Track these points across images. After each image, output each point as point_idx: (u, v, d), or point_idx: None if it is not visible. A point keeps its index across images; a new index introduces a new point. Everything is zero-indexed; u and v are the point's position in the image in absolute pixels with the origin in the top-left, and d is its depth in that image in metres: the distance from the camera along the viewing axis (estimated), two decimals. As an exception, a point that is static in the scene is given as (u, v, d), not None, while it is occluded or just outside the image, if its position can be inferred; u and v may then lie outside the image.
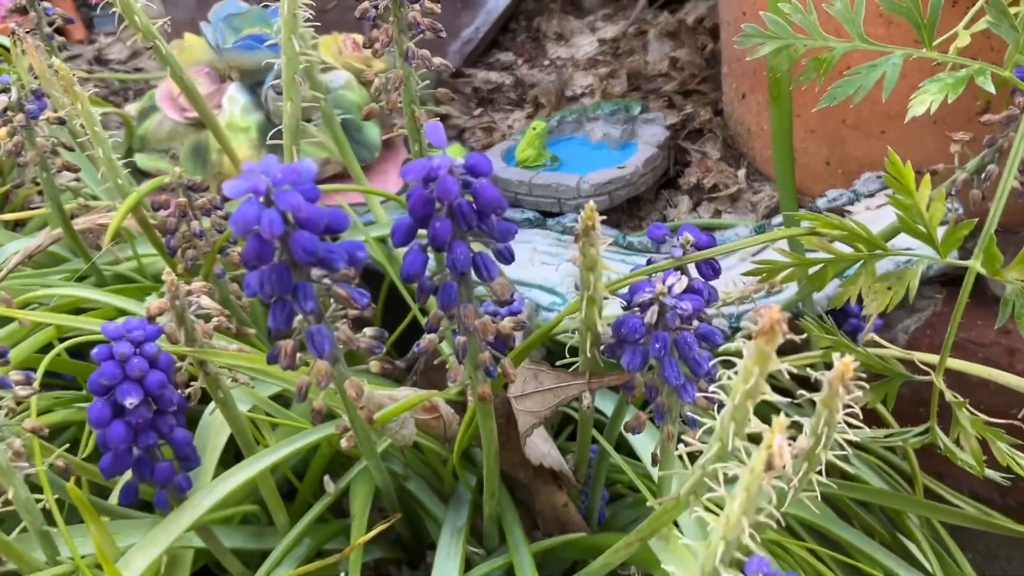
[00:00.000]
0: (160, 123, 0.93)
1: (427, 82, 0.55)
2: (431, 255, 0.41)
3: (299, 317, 0.39)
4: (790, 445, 0.32)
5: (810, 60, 0.48)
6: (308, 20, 0.57)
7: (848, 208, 0.79)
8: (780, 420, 0.32)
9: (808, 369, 0.69)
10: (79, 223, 0.68)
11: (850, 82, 0.45)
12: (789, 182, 0.62)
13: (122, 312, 0.59)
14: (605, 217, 0.83)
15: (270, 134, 0.59)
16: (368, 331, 0.42)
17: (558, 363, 0.48)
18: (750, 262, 0.77)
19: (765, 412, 0.33)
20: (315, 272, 0.37)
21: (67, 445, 0.63)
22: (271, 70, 0.92)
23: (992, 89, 0.42)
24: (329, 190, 0.72)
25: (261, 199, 0.34)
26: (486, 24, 1.22)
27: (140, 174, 0.95)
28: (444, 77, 1.13)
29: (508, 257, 0.43)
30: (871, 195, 0.80)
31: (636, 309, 0.44)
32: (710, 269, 0.46)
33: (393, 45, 0.51)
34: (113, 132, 1.11)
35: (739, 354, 0.33)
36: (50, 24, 0.75)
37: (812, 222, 0.47)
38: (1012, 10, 0.44)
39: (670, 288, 0.43)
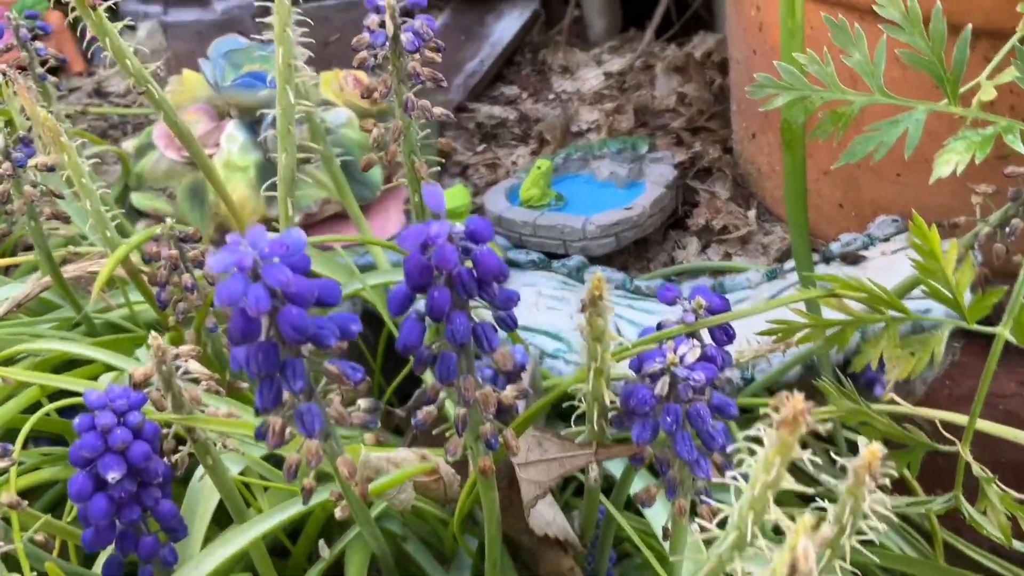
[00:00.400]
0: (157, 161, 0.91)
1: (428, 131, 0.53)
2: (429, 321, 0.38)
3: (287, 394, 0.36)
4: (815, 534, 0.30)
5: (826, 113, 0.46)
6: (308, 59, 0.56)
7: (863, 253, 0.76)
8: (805, 519, 0.29)
9: (826, 430, 0.67)
10: (69, 271, 0.66)
11: (870, 139, 0.43)
12: (803, 232, 0.60)
13: (110, 368, 0.57)
14: (610, 271, 0.82)
15: (264, 185, 0.57)
16: (362, 404, 0.40)
17: (563, 431, 0.46)
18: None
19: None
20: (305, 347, 0.35)
21: (54, 504, 0.61)
22: (271, 108, 0.90)
23: (1021, 149, 0.40)
24: (325, 240, 0.70)
25: (248, 274, 0.32)
26: (490, 57, 1.21)
27: (136, 213, 0.93)
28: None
29: (511, 324, 0.41)
30: (886, 239, 0.77)
31: (646, 379, 0.41)
32: (724, 335, 0.44)
33: (392, 95, 0.49)
34: (110, 166, 1.09)
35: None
36: (43, 64, 0.74)
37: (831, 283, 0.45)
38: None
39: (682, 358, 0.40)
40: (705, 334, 0.45)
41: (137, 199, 0.91)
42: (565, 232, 0.85)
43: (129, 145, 0.97)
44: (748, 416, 0.71)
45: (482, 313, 0.39)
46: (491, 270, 0.37)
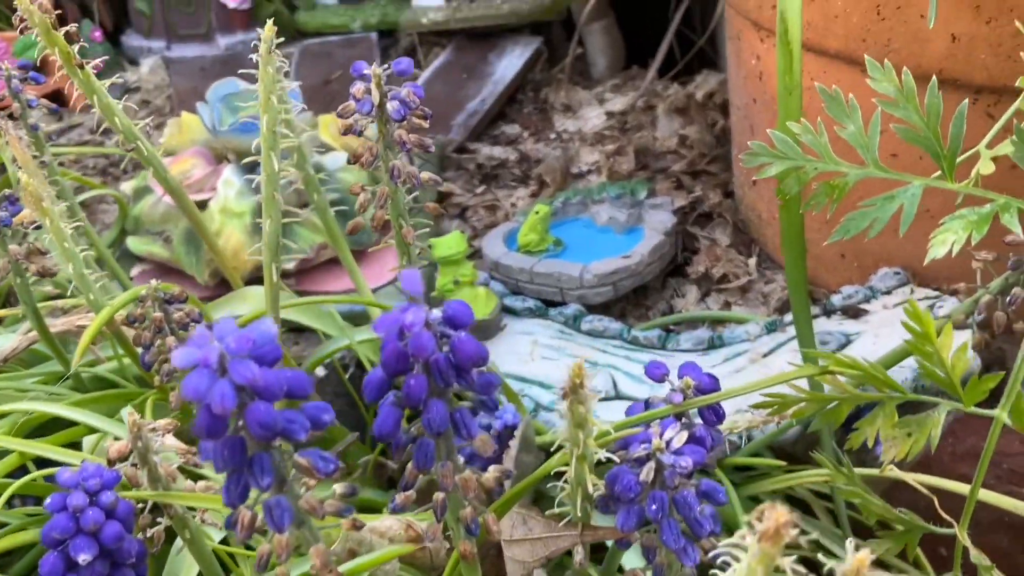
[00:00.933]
0: (154, 205, 0.91)
1: (417, 193, 0.52)
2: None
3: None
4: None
5: (820, 184, 0.45)
6: (309, 97, 0.55)
7: (864, 306, 0.75)
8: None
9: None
10: (57, 325, 0.65)
11: (865, 214, 0.42)
12: (802, 292, 0.59)
13: (94, 431, 0.56)
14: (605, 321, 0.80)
15: (251, 250, 0.57)
16: (337, 489, 0.38)
17: (548, 512, 0.45)
18: (759, 366, 0.73)
19: None
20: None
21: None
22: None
23: (1019, 229, 0.39)
24: (315, 301, 0.68)
25: (213, 370, 0.31)
26: (492, 96, 1.20)
27: (132, 257, 0.92)
28: (447, 152, 1.11)
29: (492, 407, 0.40)
30: (888, 292, 0.76)
31: (632, 463, 0.40)
32: (713, 415, 0.43)
33: (379, 161, 0.48)
34: (110, 205, 1.09)
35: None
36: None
37: (826, 360, 0.44)
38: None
39: (668, 442, 0.39)
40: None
41: (133, 243, 0.90)
42: (562, 280, 0.84)
43: (127, 187, 0.96)
44: (747, 474, 0.70)
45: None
46: (469, 357, 0.36)
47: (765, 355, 0.74)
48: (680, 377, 0.44)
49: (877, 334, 0.72)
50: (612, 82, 1.25)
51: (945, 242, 0.39)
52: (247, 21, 1.41)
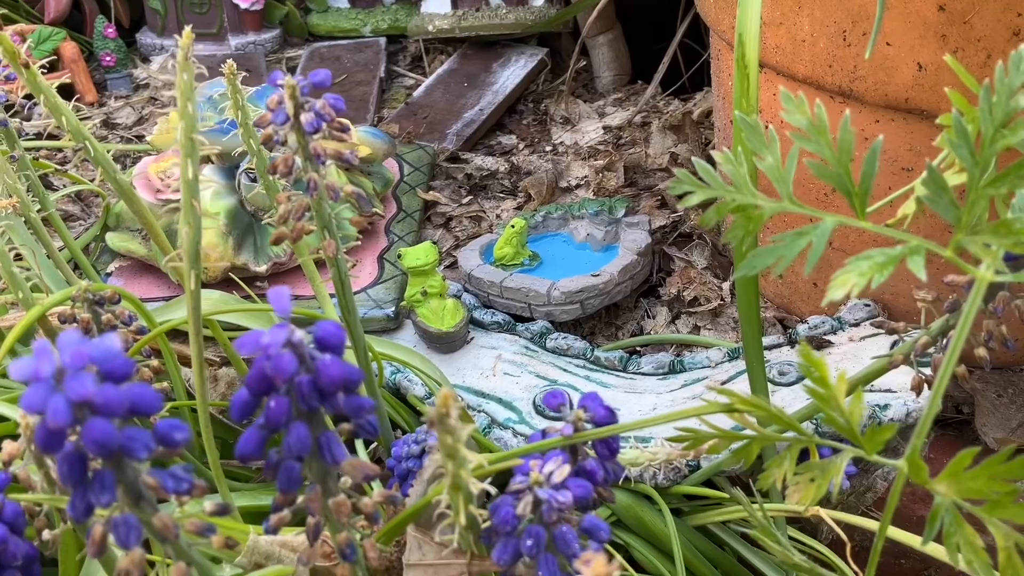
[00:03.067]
0: (134, 202, 0.91)
1: (346, 205, 0.51)
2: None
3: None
4: None
5: (738, 216, 0.44)
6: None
7: (829, 338, 0.73)
8: None
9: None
10: (7, 320, 0.66)
11: (771, 251, 0.41)
12: (754, 321, 0.57)
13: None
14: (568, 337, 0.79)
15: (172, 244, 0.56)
16: (207, 505, 0.38)
17: (439, 538, 0.44)
18: (701, 399, 0.72)
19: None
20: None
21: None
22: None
23: (923, 276, 0.37)
24: (245, 309, 0.68)
25: (50, 384, 0.31)
26: (491, 105, 1.19)
27: (112, 253, 0.93)
28: (439, 161, 1.10)
29: (372, 430, 0.39)
30: (856, 324, 0.74)
31: (514, 495, 0.39)
32: (607, 449, 0.41)
33: (294, 173, 0.47)
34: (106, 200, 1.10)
35: None
36: (9, 107, 0.74)
37: (730, 398, 0.42)
38: (952, 180, 0.39)
39: (548, 476, 0.38)
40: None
41: (111, 239, 0.91)
42: (530, 296, 0.83)
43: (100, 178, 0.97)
44: (694, 503, 0.68)
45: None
46: (334, 381, 0.35)
47: (723, 383, 0.72)
48: (580, 407, 0.42)
49: (839, 367, 0.70)
50: (615, 96, 1.24)
51: (845, 284, 0.37)
52: (259, 22, 1.42)
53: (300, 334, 0.35)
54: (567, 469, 0.38)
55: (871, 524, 0.48)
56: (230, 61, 0.62)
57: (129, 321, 0.56)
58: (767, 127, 0.75)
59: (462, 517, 0.38)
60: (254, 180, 0.88)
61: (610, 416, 0.42)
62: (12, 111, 0.76)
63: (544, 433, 0.43)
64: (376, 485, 0.63)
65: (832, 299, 0.37)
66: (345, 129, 0.47)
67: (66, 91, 1.28)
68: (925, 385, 0.52)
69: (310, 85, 0.46)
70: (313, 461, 0.37)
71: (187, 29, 0.46)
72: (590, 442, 0.42)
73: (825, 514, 0.50)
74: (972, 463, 0.37)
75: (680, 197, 0.97)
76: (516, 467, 0.40)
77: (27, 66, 0.56)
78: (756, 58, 0.56)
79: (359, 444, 0.68)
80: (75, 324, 0.55)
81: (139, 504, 0.35)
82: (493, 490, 0.38)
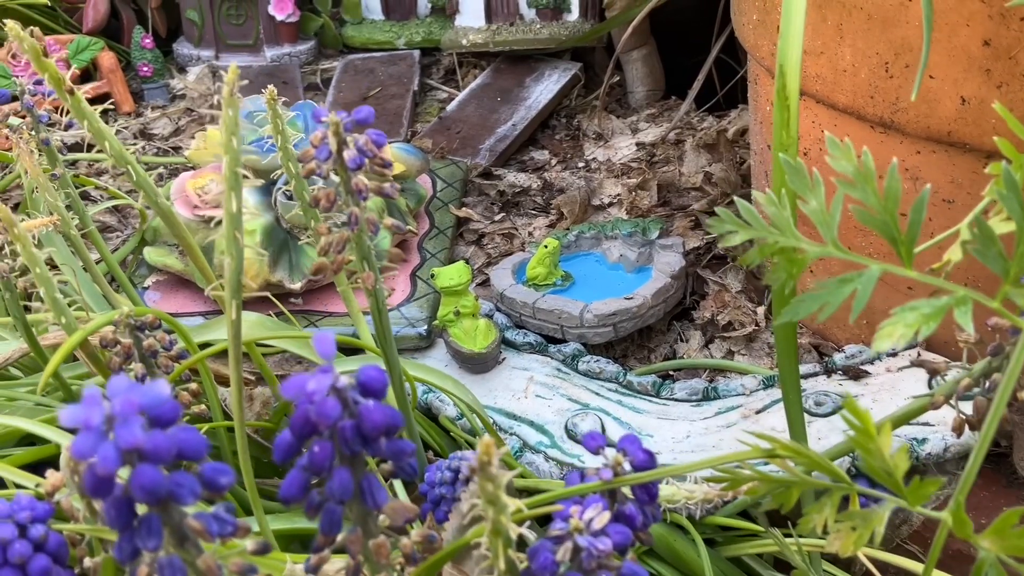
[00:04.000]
0: (172, 217, 0.92)
1: (384, 237, 0.51)
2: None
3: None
4: None
5: (780, 259, 0.44)
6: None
7: (866, 368, 0.72)
8: None
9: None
10: (48, 338, 0.66)
11: (815, 297, 0.40)
12: (791, 355, 0.57)
13: (63, 449, 0.57)
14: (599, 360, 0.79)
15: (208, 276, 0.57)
16: (249, 544, 0.38)
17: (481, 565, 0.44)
18: (751, 422, 0.71)
19: None
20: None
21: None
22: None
23: (970, 328, 0.36)
24: (286, 336, 0.68)
25: (99, 431, 0.31)
26: (524, 120, 1.20)
27: (148, 267, 0.94)
28: (472, 177, 1.10)
29: (412, 473, 0.39)
30: (894, 354, 0.73)
31: (554, 540, 0.39)
32: (646, 494, 0.41)
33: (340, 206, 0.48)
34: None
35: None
36: (51, 125, 0.75)
37: (770, 443, 0.42)
38: (999, 228, 0.38)
39: (588, 523, 0.38)
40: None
41: (149, 254, 0.92)
42: (563, 318, 0.82)
43: (142, 199, 0.98)
44: (727, 534, 0.68)
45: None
46: (377, 427, 0.35)
47: (758, 412, 0.72)
48: (619, 450, 0.42)
49: (876, 398, 0.70)
50: (649, 111, 1.24)
51: (891, 335, 0.37)
52: (294, 34, 1.43)
53: (344, 380, 0.35)
54: (607, 516, 0.38)
55: (909, 564, 0.48)
56: (271, 87, 0.63)
57: (170, 346, 0.56)
58: (805, 154, 0.74)
59: (501, 562, 0.38)
60: (290, 199, 0.89)
61: (649, 460, 0.41)
62: (62, 126, 0.77)
63: (582, 475, 0.42)
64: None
65: (879, 350, 0.37)
66: (387, 164, 0.47)
67: (100, 101, 1.30)
68: (966, 426, 0.51)
69: (353, 122, 0.46)
70: (354, 504, 0.38)
71: (232, 65, 0.47)
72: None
73: (862, 554, 0.49)
74: (1020, 522, 0.36)
75: (714, 216, 0.97)
76: (556, 512, 0.40)
77: (72, 92, 0.57)
78: (797, 89, 0.56)
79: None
80: (116, 348, 0.55)
81: (183, 545, 0.36)
82: (532, 535, 0.38)
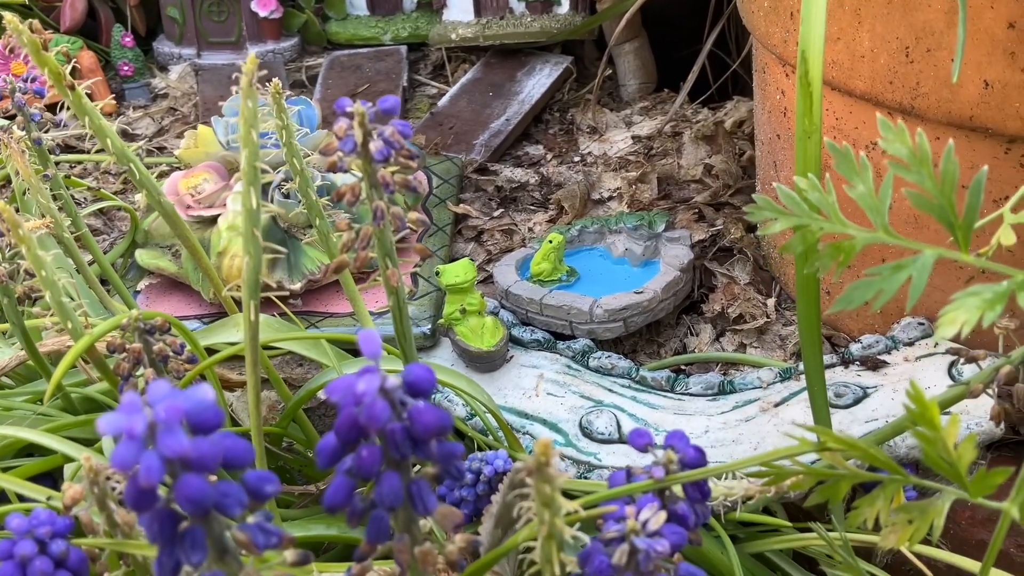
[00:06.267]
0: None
1: (405, 233, 0.49)
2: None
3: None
4: None
5: (826, 246, 0.42)
6: (331, 112, 0.53)
7: (884, 358, 0.72)
8: None
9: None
10: (47, 345, 0.64)
11: (870, 284, 0.39)
12: (816, 348, 0.56)
13: (71, 460, 0.55)
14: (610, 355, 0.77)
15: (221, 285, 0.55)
16: (288, 555, 0.36)
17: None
18: (770, 416, 0.70)
19: None
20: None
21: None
22: (281, 168, 0.88)
23: (1037, 313, 0.35)
24: (297, 337, 0.66)
25: (141, 440, 0.29)
26: (517, 115, 1.18)
27: (140, 271, 0.91)
28: (468, 172, 1.09)
29: (457, 476, 0.37)
30: (911, 343, 0.73)
31: (606, 543, 0.37)
32: (698, 492, 0.40)
33: (363, 201, 0.46)
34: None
35: None
36: (42, 128, 0.72)
37: (822, 436, 0.41)
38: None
39: (644, 524, 0.37)
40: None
41: (141, 256, 0.89)
42: (572, 314, 0.81)
43: (140, 198, 0.95)
44: (749, 529, 0.67)
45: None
46: (428, 428, 0.34)
47: (777, 404, 0.71)
48: (665, 447, 0.41)
49: (896, 389, 0.69)
50: (642, 104, 1.22)
51: (955, 321, 0.36)
52: (278, 31, 1.40)
53: (393, 380, 0.33)
54: (663, 516, 0.37)
55: (958, 560, 0.47)
56: (276, 79, 0.60)
57: (180, 350, 0.54)
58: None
59: (556, 567, 0.37)
60: (287, 196, 0.87)
61: (700, 457, 0.40)
62: (45, 129, 0.74)
63: (629, 474, 0.41)
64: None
65: (943, 337, 0.36)
66: (413, 156, 0.45)
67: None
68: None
69: (377, 112, 0.44)
70: (401, 510, 0.36)
71: (251, 55, 0.45)
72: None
73: (906, 548, 0.48)
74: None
75: (717, 208, 0.95)
76: (607, 513, 0.39)
77: (72, 88, 0.54)
78: (820, 75, 0.54)
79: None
80: (124, 354, 0.53)
81: (223, 558, 0.34)
82: (586, 538, 0.37)
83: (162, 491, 0.31)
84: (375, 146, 0.44)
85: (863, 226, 0.42)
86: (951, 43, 0.59)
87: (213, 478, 0.31)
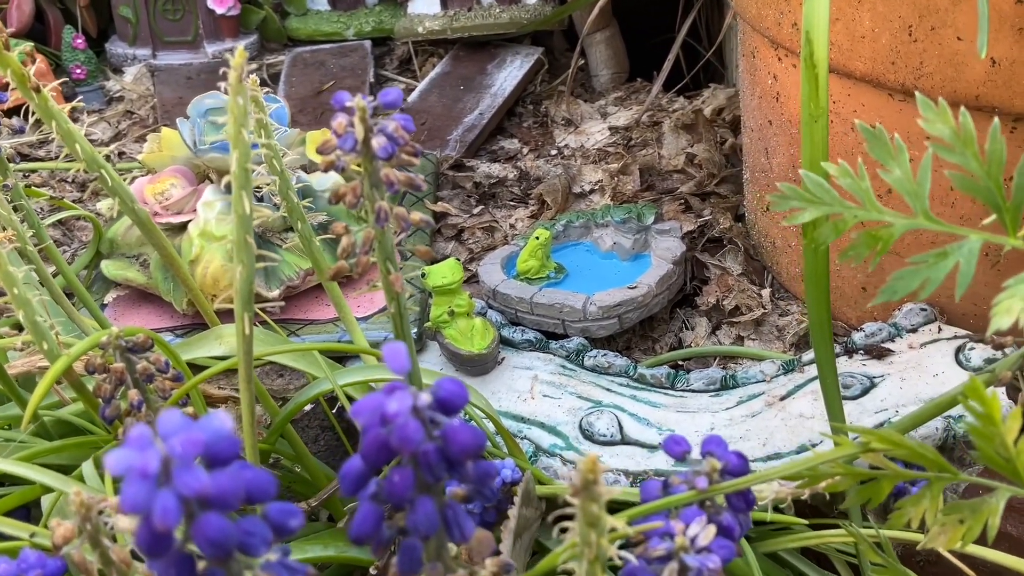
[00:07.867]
0: (131, 227, 0.85)
1: (406, 234, 0.46)
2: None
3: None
4: None
5: (860, 234, 0.40)
6: (299, 109, 0.50)
7: (888, 346, 0.70)
8: None
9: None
10: (16, 366, 0.60)
11: (915, 273, 0.37)
12: (826, 336, 0.54)
13: (49, 491, 0.51)
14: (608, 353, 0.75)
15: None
16: (311, 593, 0.33)
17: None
18: (776, 410, 0.68)
19: None
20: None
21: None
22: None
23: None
24: (290, 350, 0.63)
25: (154, 479, 0.26)
26: (491, 109, 1.15)
27: (106, 282, 0.87)
28: (444, 169, 1.05)
29: (492, 497, 0.35)
30: (914, 330, 0.71)
31: (651, 562, 0.35)
32: (743, 501, 0.37)
33: (364, 201, 0.43)
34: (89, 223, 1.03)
35: None
36: None
37: (865, 436, 0.39)
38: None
39: (693, 540, 0.34)
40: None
41: (107, 268, 0.85)
42: (564, 312, 0.78)
43: (103, 206, 0.91)
44: (760, 528, 0.65)
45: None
46: (465, 449, 0.31)
47: (783, 398, 0.69)
48: (703, 454, 0.38)
49: (903, 377, 0.67)
50: (615, 95, 1.20)
51: (1010, 310, 0.34)
52: (235, 28, 1.35)
53: (425, 398, 0.30)
54: (713, 531, 0.34)
55: (1005, 559, 0.45)
56: (253, 76, 0.57)
57: (165, 368, 0.50)
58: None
59: (602, 589, 0.34)
60: (260, 200, 0.83)
61: (743, 464, 0.38)
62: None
63: (666, 484, 0.38)
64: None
65: (998, 327, 0.34)
66: (417, 153, 0.42)
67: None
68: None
69: (380, 106, 0.41)
70: (434, 537, 0.33)
71: (240, 48, 0.41)
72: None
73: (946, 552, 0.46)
74: None
75: (703, 198, 0.93)
76: (650, 532, 0.36)
77: (38, 90, 0.50)
78: (826, 57, 0.52)
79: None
80: (106, 374, 0.49)
81: (244, 602, 0.30)
82: (632, 558, 0.34)
83: (176, 531, 0.28)
84: (378, 143, 0.41)
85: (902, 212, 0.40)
86: (956, 20, 0.57)
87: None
